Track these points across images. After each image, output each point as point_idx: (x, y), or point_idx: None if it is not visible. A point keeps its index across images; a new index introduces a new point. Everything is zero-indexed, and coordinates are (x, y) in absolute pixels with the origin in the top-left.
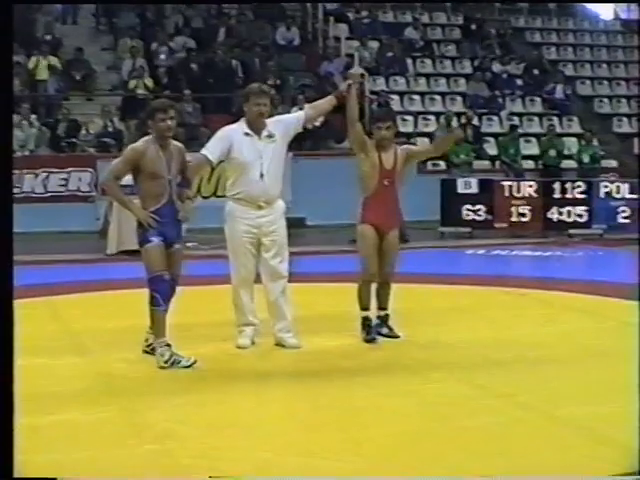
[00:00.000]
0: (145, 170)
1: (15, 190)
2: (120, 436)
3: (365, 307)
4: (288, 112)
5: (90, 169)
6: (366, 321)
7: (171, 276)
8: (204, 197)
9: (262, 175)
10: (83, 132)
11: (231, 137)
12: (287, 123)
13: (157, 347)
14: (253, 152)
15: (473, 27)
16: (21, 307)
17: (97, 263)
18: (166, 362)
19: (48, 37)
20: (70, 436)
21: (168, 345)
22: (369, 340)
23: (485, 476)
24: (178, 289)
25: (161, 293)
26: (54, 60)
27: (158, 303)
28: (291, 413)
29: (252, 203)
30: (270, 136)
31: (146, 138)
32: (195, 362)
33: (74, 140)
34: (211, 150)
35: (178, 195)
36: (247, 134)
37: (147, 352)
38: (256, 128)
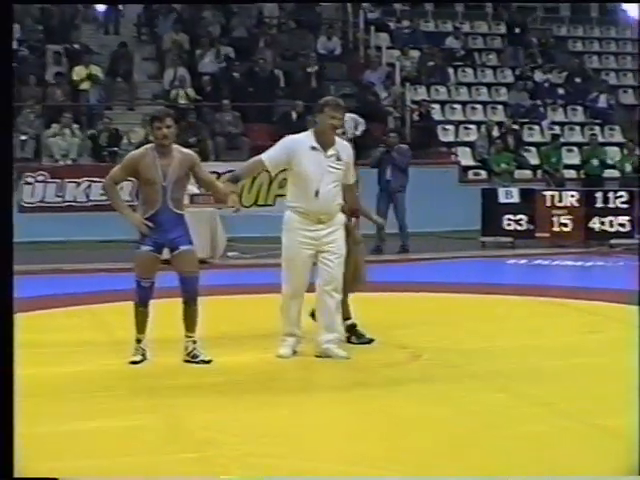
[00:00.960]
0: (141, 176)
1: (58, 199)
2: (159, 443)
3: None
4: None
5: (131, 178)
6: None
7: (184, 275)
8: (245, 206)
9: (325, 192)
10: (124, 141)
11: (295, 148)
12: (348, 167)
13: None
14: (317, 167)
15: (515, 36)
16: (64, 315)
17: None
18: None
19: (90, 47)
20: (110, 442)
21: (139, 341)
22: (368, 341)
23: (485, 476)
24: (219, 298)
25: (139, 297)
26: (96, 70)
27: (136, 304)
28: (331, 421)
29: (312, 217)
30: (337, 158)
31: (147, 145)
32: (134, 362)
33: (116, 149)
34: (271, 156)
35: (221, 196)
36: (314, 148)
37: (188, 361)
38: (324, 142)
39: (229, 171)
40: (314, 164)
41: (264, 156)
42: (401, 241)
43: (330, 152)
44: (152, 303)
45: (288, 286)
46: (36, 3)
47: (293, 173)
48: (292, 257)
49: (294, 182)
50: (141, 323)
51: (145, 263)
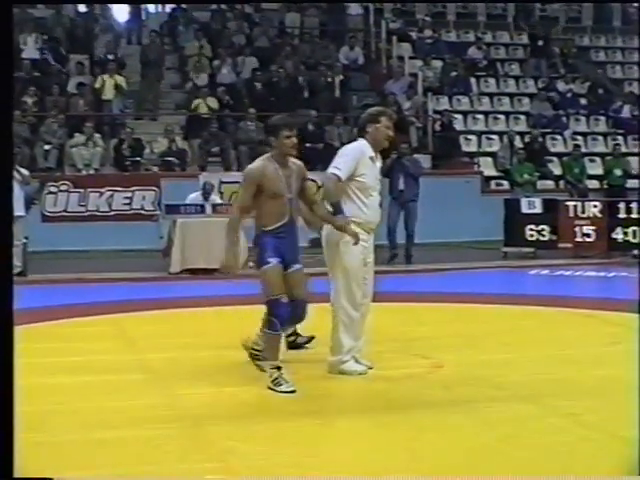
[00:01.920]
0: (265, 190)
1: (80, 209)
2: (182, 452)
3: None
4: (351, 133)
5: (154, 188)
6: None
7: (295, 298)
8: None
9: (377, 203)
10: (147, 151)
11: (360, 157)
12: None
13: (267, 369)
14: (373, 177)
15: (537, 46)
16: (86, 324)
17: (160, 281)
18: (273, 382)
19: (113, 56)
20: (133, 451)
21: (278, 368)
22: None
23: (485, 476)
24: (241, 308)
25: (279, 318)
26: (120, 80)
27: (275, 328)
28: (353, 431)
29: (366, 227)
30: (381, 170)
31: (263, 157)
32: (294, 391)
33: (138, 159)
34: (343, 169)
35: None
36: (372, 158)
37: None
38: (377, 153)
39: None
40: (372, 174)
41: (338, 172)
42: (407, 250)
43: (379, 163)
44: (174, 312)
45: (357, 293)
46: (35, 3)
47: (355, 183)
48: (358, 265)
49: (355, 192)
50: (276, 350)
51: (276, 277)
